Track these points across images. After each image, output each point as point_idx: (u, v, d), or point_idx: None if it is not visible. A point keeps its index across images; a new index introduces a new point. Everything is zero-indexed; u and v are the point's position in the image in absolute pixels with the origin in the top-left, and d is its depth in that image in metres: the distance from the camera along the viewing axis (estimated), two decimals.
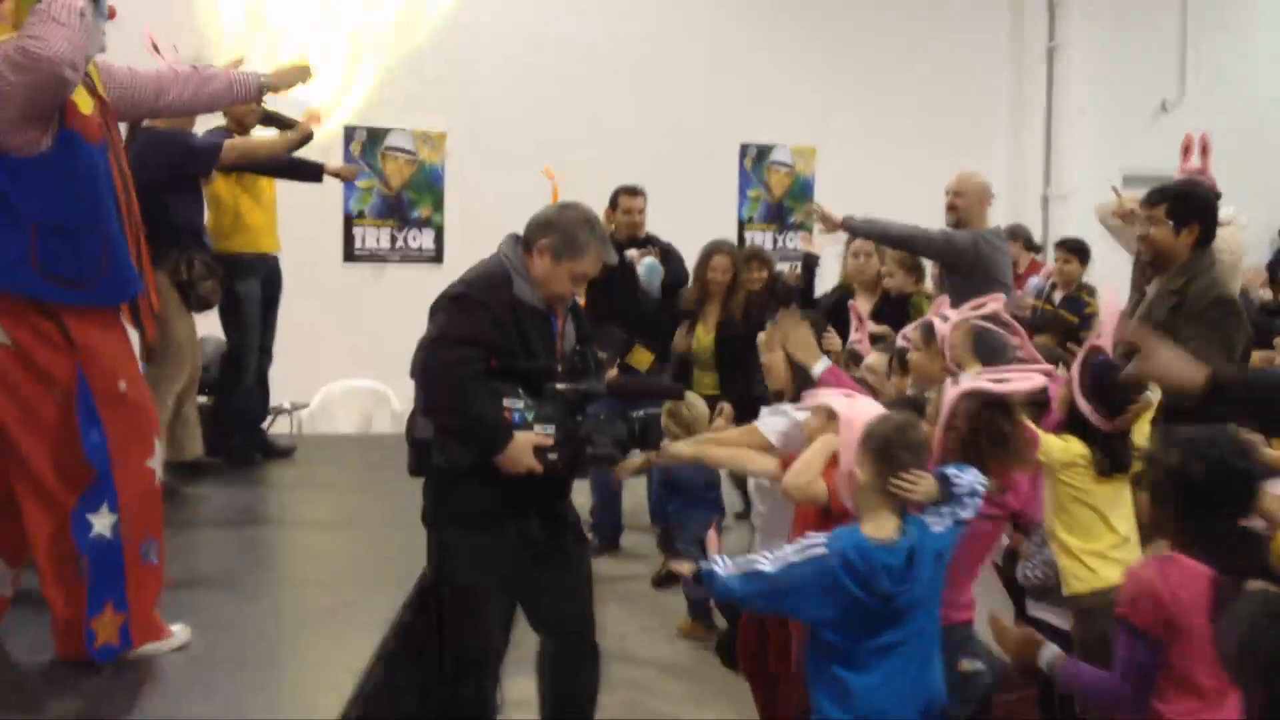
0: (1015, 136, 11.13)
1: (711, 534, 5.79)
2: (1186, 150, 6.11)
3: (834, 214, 6.24)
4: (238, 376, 6.08)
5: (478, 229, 9.50)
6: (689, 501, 5.97)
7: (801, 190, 10.54)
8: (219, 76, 3.84)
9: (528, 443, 3.59)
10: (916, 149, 10.59)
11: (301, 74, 4.09)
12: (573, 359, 3.83)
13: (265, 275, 6.16)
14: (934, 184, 10.23)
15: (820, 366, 3.73)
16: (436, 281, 9.43)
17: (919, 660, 2.90)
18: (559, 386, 3.70)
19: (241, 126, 5.97)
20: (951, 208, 6.21)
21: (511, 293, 3.66)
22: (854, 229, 6.28)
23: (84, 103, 3.29)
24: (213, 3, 7.74)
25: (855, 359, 5.72)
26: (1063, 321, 6.65)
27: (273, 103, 5.19)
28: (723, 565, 3.07)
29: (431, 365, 3.58)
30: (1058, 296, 7.29)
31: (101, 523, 3.27)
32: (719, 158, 10.25)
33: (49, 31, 3.03)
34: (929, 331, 4.38)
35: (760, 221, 10.42)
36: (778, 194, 10.45)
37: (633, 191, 7.14)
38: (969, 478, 2.93)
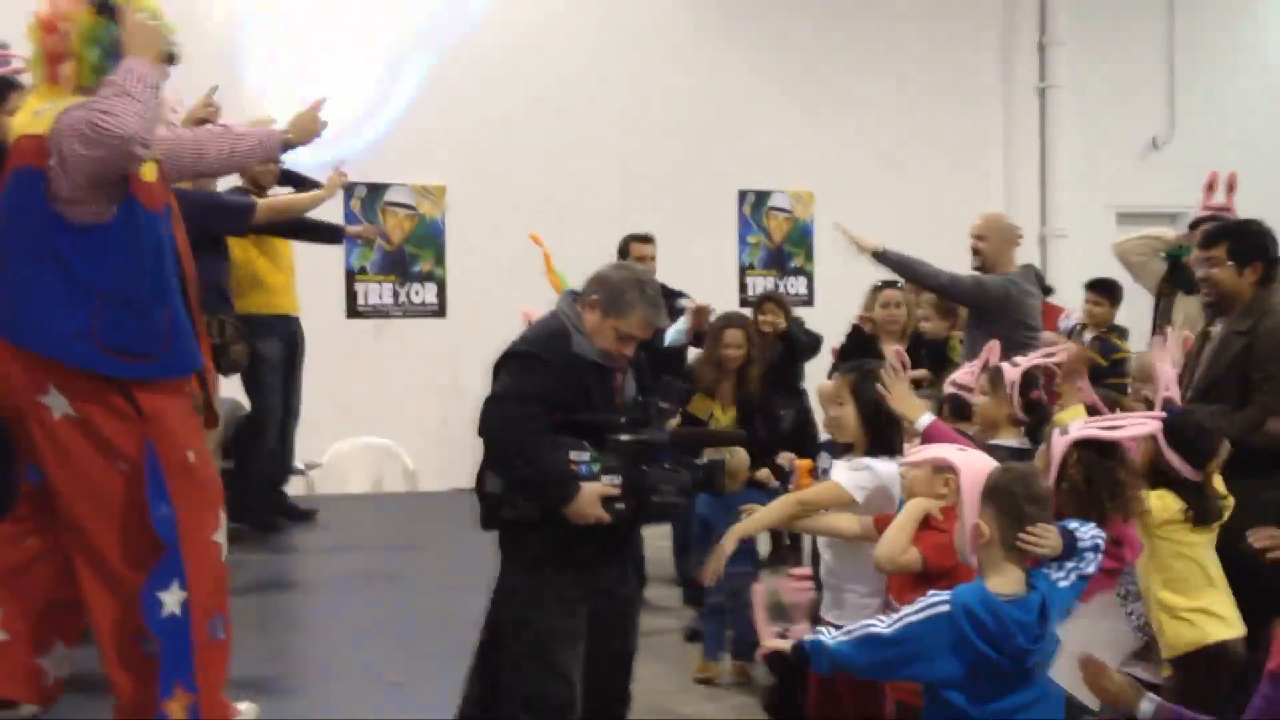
0: (1009, 177, 11.13)
1: (759, 588, 5.64)
2: (1210, 187, 6.10)
3: (868, 239, 6.16)
4: (258, 439, 5.93)
5: (480, 282, 9.50)
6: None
7: (801, 235, 10.50)
8: (249, 135, 3.74)
9: (595, 494, 3.69)
10: (913, 191, 10.60)
11: (315, 124, 3.95)
12: (634, 410, 3.96)
13: (285, 336, 6.02)
14: (931, 226, 10.33)
15: (925, 420, 3.63)
16: (440, 335, 9.60)
17: None
18: (623, 438, 3.80)
19: (258, 185, 5.86)
20: (976, 251, 6.15)
21: (570, 348, 3.78)
22: (886, 259, 6.20)
23: (147, 169, 3.19)
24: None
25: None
26: (1094, 365, 6.59)
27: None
28: (828, 634, 2.98)
29: (496, 422, 3.71)
30: (1087, 337, 7.23)
31: (172, 600, 3.12)
32: (718, 204, 10.20)
33: (122, 107, 2.94)
34: (997, 376, 4.31)
35: (761, 268, 10.36)
36: (777, 239, 10.40)
37: (644, 239, 7.13)
38: (1091, 532, 2.84)
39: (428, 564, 5.35)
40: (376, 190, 9.13)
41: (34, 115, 3.13)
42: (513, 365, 3.76)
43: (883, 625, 2.84)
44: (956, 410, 4.63)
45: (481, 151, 9.37)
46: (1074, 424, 3.26)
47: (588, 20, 9.82)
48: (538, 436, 3.66)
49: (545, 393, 3.69)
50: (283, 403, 5.99)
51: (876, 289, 6.99)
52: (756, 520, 4.07)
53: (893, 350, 5.93)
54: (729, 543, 3.96)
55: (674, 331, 6.70)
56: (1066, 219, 11.14)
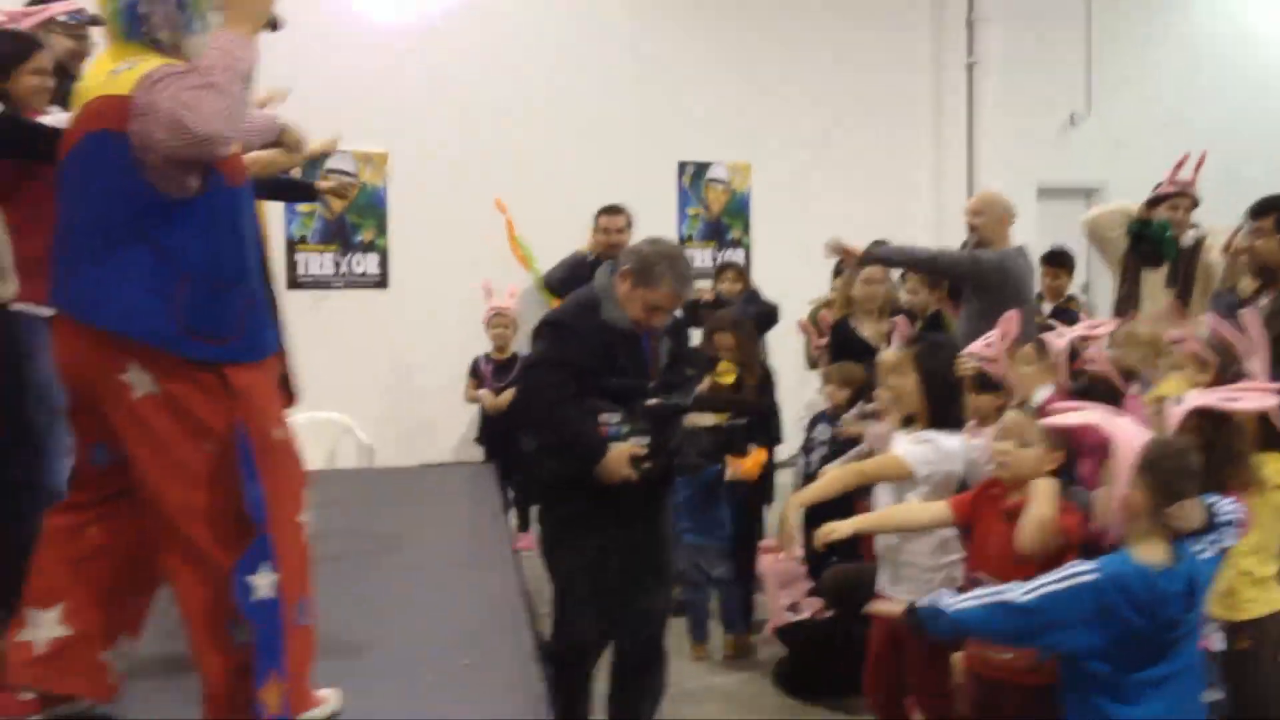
0: (939, 151, 11.27)
1: (767, 561, 5.62)
2: (1181, 165, 6.24)
3: (854, 246, 6.16)
4: None
5: (422, 252, 9.28)
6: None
7: (738, 207, 10.48)
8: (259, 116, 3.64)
9: (623, 454, 3.96)
10: (846, 164, 10.69)
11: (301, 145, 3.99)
12: (664, 376, 4.18)
13: None
14: (864, 197, 10.44)
15: (1044, 393, 3.61)
16: (381, 306, 9.33)
17: (1190, 694, 2.80)
18: (650, 402, 4.06)
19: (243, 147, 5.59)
20: (972, 228, 6.19)
21: (599, 317, 4.00)
22: (878, 260, 6.21)
23: None
24: None
25: (985, 384, 5.65)
26: None
27: None
28: (949, 599, 2.95)
29: (529, 387, 4.03)
30: (1047, 308, 7.35)
31: (263, 584, 2.91)
32: (658, 175, 10.12)
33: (207, 103, 2.67)
34: (1042, 348, 4.32)
35: (699, 239, 10.32)
36: (715, 211, 10.37)
37: (611, 211, 7.02)
38: (1229, 505, 2.84)
39: (426, 541, 5.21)
40: (317, 157, 8.81)
41: (110, 75, 2.88)
42: (547, 333, 4.02)
43: (1018, 593, 2.81)
44: (981, 383, 4.65)
45: (424, 118, 9.15)
46: (1189, 394, 3.25)
47: None
48: (566, 401, 3.91)
49: (576, 359, 3.92)
50: None
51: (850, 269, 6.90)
52: (815, 490, 4.00)
53: (898, 321, 5.96)
54: (791, 512, 3.89)
55: None
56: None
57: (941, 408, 3.90)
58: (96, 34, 4.66)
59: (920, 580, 3.86)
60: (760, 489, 6.09)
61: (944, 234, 10.36)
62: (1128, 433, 2.80)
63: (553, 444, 4.04)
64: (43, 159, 3.48)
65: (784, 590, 5.57)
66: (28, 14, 4.23)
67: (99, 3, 2.98)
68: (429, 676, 3.55)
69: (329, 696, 3.19)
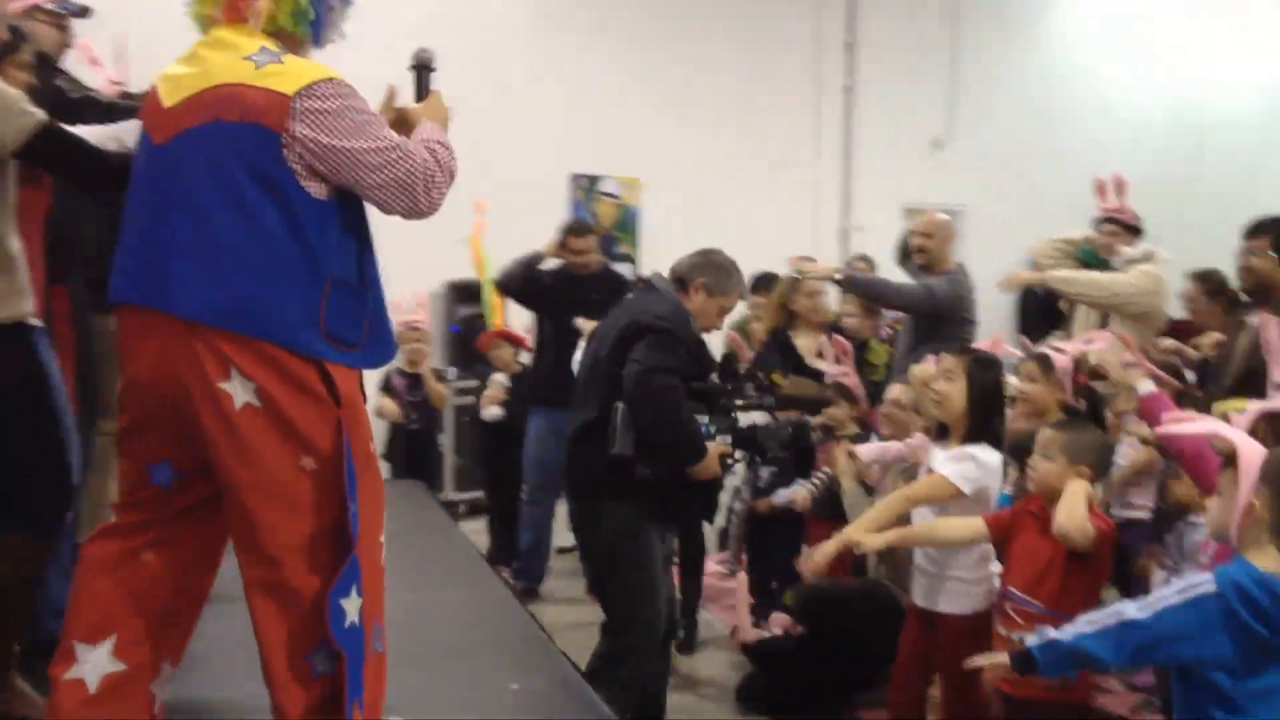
0: (817, 172, 11.48)
1: (741, 579, 5.59)
2: (1103, 191, 6.49)
3: (827, 268, 6.25)
4: None
5: None
6: None
7: (628, 221, 10.47)
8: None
9: (715, 453, 4.25)
10: (730, 182, 10.78)
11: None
12: (741, 378, 4.61)
13: None
14: (747, 217, 10.54)
15: (1147, 386, 3.67)
16: None
17: None
18: (738, 402, 4.36)
19: None
20: (921, 249, 6.31)
21: (691, 326, 4.29)
22: (853, 285, 6.31)
23: None
24: None
25: (845, 394, 5.72)
26: None
27: None
28: (1055, 632, 2.94)
29: (656, 390, 4.07)
30: None
31: (352, 609, 2.76)
32: (551, 188, 10.04)
33: (439, 189, 2.83)
34: (1046, 363, 4.42)
35: None
36: (607, 225, 10.32)
37: (579, 231, 6.85)
38: None
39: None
40: None
41: (242, 60, 2.71)
42: (655, 341, 4.11)
43: (1132, 610, 2.83)
44: None
45: None
46: (1251, 404, 3.36)
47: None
48: (683, 405, 4.13)
49: (682, 366, 4.14)
50: None
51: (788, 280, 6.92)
52: (870, 521, 3.98)
53: (836, 340, 6.02)
54: (832, 547, 3.89)
55: None
56: (866, 213, 11.59)
57: (983, 421, 3.94)
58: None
59: (962, 593, 3.90)
60: None
61: (821, 250, 10.52)
62: (1251, 443, 2.86)
63: (666, 446, 4.13)
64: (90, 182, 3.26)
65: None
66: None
67: None
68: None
69: None
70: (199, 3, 2.83)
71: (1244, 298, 5.06)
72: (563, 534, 7.37)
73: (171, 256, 2.66)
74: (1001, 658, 3.01)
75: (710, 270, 4.35)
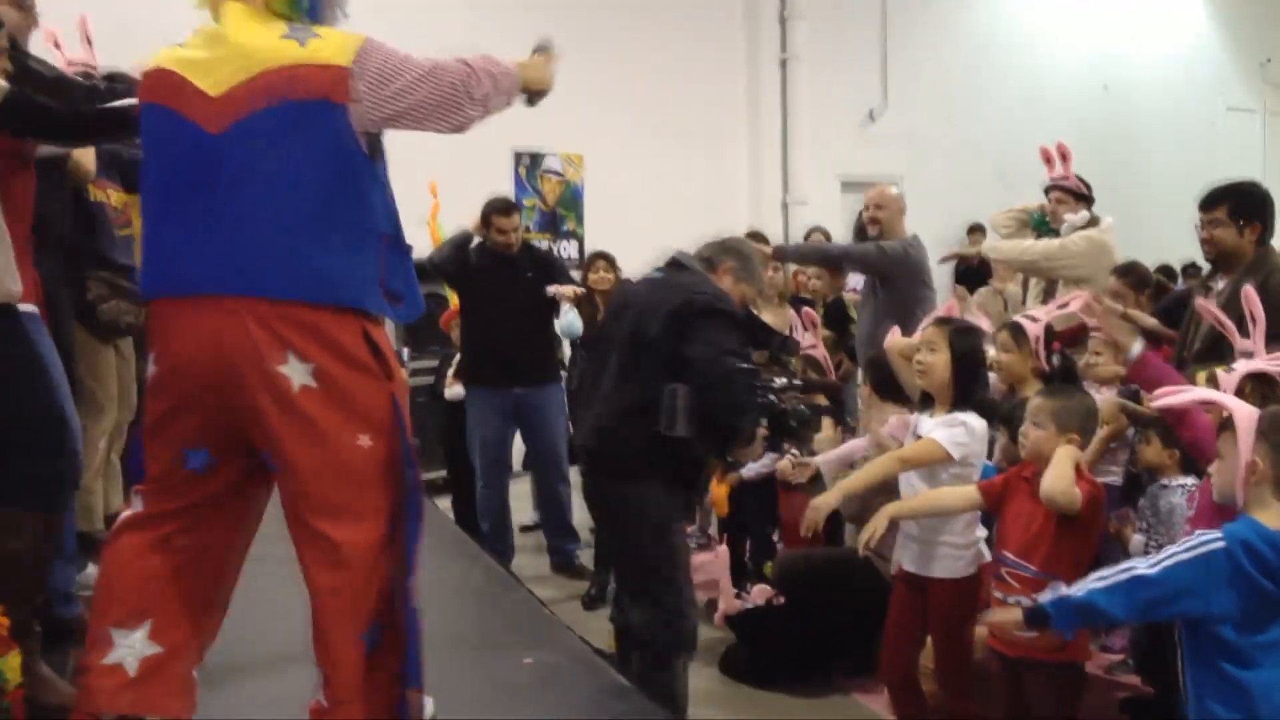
0: (754, 145, 11.58)
1: (721, 551, 5.66)
2: (1048, 159, 6.64)
3: (765, 248, 6.31)
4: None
5: None
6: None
7: (572, 198, 10.48)
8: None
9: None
10: (670, 156, 10.84)
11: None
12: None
13: None
14: (687, 191, 10.61)
15: (1137, 348, 3.77)
16: None
17: None
18: (776, 383, 4.26)
19: None
20: (874, 221, 6.42)
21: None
22: (789, 257, 6.38)
23: None
24: None
25: (814, 365, 5.82)
26: None
27: None
28: (1067, 589, 3.03)
29: (729, 373, 3.89)
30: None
31: (413, 589, 2.82)
32: (495, 165, 10.01)
33: (474, 99, 2.94)
34: (1019, 332, 4.53)
35: (537, 230, 10.26)
36: (551, 202, 10.34)
37: (505, 210, 6.76)
38: None
39: None
40: None
41: (281, 40, 2.74)
42: (719, 322, 3.96)
43: (1143, 567, 2.93)
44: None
45: None
46: (1238, 363, 3.48)
47: None
48: (756, 389, 4.02)
49: (742, 347, 4.02)
50: None
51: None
52: (859, 480, 4.08)
53: (803, 313, 6.12)
54: (833, 499, 3.98)
55: (569, 321, 6.60)
56: (805, 186, 11.71)
57: (968, 388, 4.03)
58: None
59: (953, 558, 4.00)
60: None
61: (763, 222, 10.65)
62: (1242, 406, 2.96)
63: (739, 427, 4.05)
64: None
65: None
66: None
67: None
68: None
69: (428, 705, 3.07)
70: None
71: (1169, 280, 5.22)
72: (523, 511, 7.47)
73: (239, 238, 2.67)
74: (1014, 613, 3.08)
75: (737, 255, 4.31)
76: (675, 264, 4.26)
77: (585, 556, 6.87)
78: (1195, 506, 3.81)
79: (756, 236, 6.94)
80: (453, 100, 2.85)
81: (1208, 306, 4.01)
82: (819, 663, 5.19)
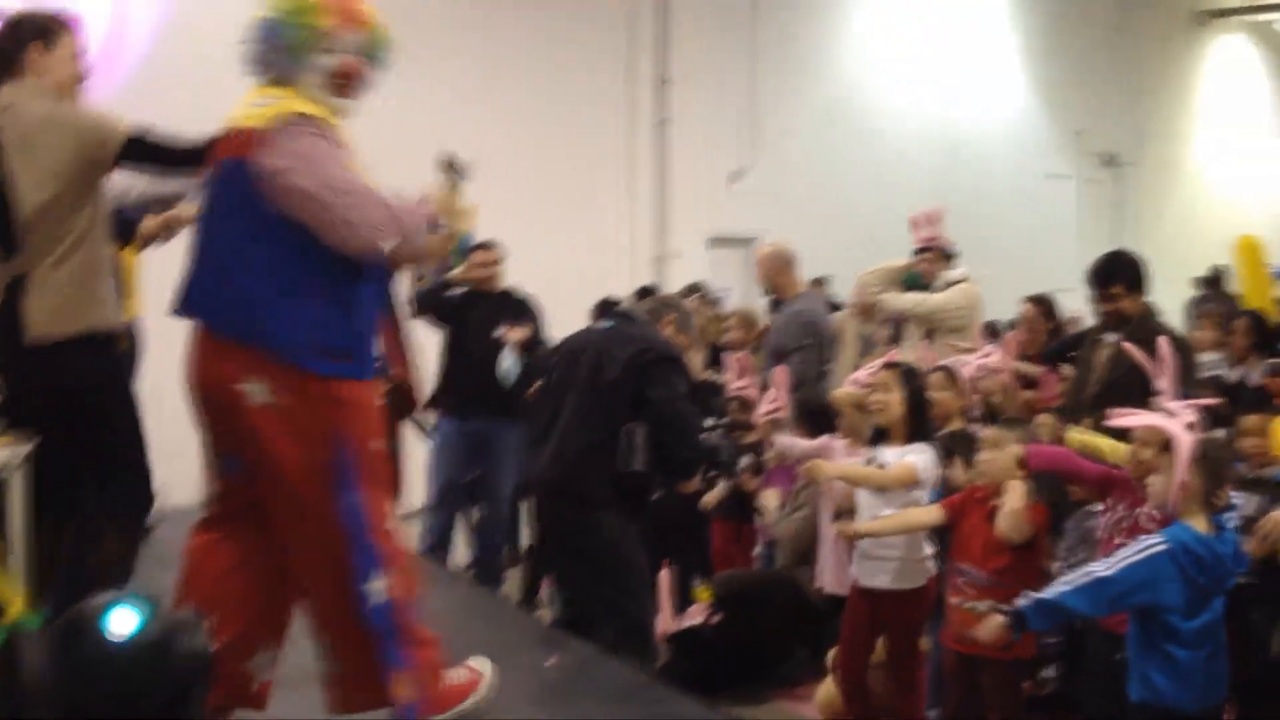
0: (633, 201, 12.14)
1: (665, 574, 6.06)
2: (916, 225, 7.30)
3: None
4: None
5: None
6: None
7: (460, 249, 10.74)
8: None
9: None
10: (554, 213, 11.25)
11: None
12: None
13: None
14: (569, 246, 11.06)
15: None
16: None
17: (1221, 634, 3.58)
18: (714, 423, 5.36)
19: None
20: (763, 282, 7.16)
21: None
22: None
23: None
24: None
25: (745, 406, 6.33)
26: None
27: None
28: (1044, 592, 3.57)
29: (681, 415, 4.57)
30: None
31: (377, 589, 3.15)
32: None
33: (402, 232, 3.13)
34: (950, 375, 5.12)
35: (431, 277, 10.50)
36: (439, 254, 10.58)
37: (486, 246, 7.16)
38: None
39: None
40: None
41: (250, 108, 3.18)
42: (674, 369, 4.62)
43: (1101, 569, 3.50)
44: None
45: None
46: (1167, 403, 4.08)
47: None
48: (700, 429, 4.73)
49: (689, 390, 4.70)
50: None
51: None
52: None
53: (735, 358, 6.61)
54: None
55: (510, 366, 6.82)
56: (679, 240, 12.33)
57: (920, 422, 4.59)
58: None
59: (907, 571, 4.53)
60: None
61: (638, 279, 11.15)
62: (1181, 432, 3.56)
63: (686, 463, 4.78)
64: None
65: None
66: None
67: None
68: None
69: (482, 667, 3.41)
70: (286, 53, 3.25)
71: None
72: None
73: (206, 276, 3.15)
74: (995, 620, 3.59)
75: (676, 310, 4.99)
76: (624, 316, 4.91)
77: None
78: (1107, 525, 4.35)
79: (693, 289, 7.45)
80: (357, 231, 3.06)
81: (1132, 350, 4.47)
82: (754, 673, 5.66)
